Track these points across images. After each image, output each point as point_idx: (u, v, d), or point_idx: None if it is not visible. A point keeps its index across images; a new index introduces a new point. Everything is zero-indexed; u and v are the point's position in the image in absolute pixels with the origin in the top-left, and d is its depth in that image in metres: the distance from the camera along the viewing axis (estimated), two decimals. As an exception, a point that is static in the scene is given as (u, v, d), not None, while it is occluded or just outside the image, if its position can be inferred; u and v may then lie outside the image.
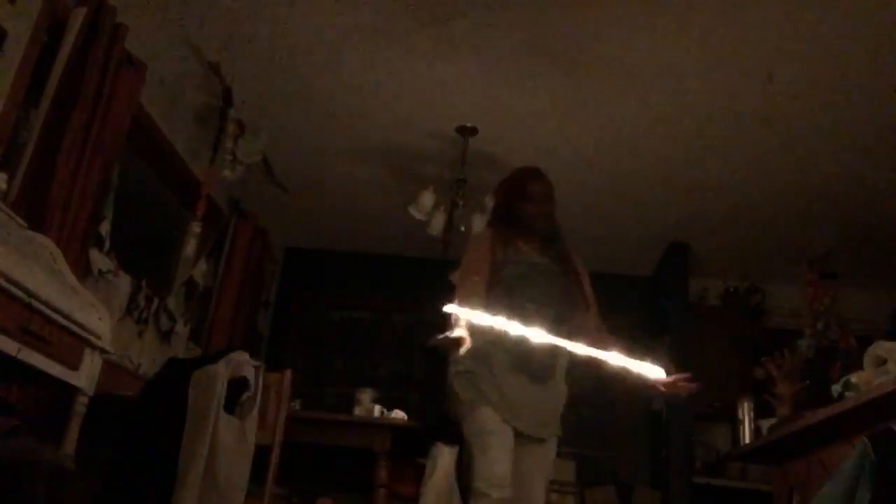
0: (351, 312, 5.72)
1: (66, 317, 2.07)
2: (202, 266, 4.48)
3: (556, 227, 2.65)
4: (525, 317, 2.28)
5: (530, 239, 2.60)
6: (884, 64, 3.29)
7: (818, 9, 3.03)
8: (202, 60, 3.74)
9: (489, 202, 3.35)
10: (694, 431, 5.01)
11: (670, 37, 3.28)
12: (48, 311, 1.98)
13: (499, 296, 2.41)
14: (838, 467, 1.95)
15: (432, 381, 5.02)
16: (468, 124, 4.04)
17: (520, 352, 2.33)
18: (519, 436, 2.38)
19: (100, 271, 3.31)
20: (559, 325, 2.39)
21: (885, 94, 3.48)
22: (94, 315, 2.23)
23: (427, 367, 5.37)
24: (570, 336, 2.37)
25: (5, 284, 1.81)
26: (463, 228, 4.14)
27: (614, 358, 2.33)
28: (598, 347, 2.37)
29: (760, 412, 3.41)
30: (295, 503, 3.96)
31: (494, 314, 2.27)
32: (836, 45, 3.22)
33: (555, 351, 2.37)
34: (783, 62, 3.37)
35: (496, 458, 2.28)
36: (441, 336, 2.20)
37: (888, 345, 2.22)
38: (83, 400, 2.21)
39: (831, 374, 2.53)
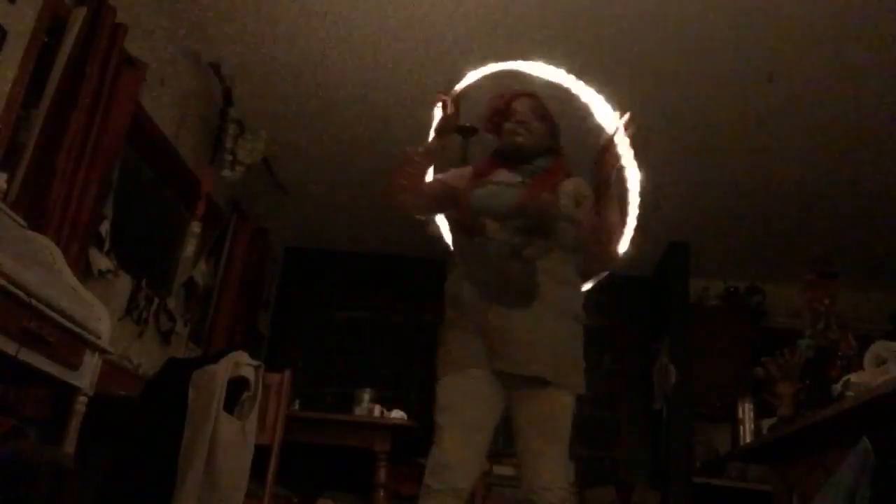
0: (351, 312, 5.72)
1: (66, 317, 2.07)
2: (202, 266, 4.48)
3: (544, 144, 2.22)
4: (487, 235, 2.03)
5: (513, 164, 2.18)
6: (884, 63, 3.29)
7: (819, 9, 3.03)
8: (202, 60, 3.74)
9: None
10: (694, 431, 5.01)
11: (670, 38, 3.28)
12: (48, 311, 1.98)
13: (459, 223, 2.14)
14: (838, 467, 1.95)
15: (432, 380, 5.02)
16: (468, 124, 4.04)
17: (489, 276, 2.01)
18: (505, 380, 2.00)
19: (100, 271, 3.31)
20: (531, 236, 2.03)
21: (886, 93, 3.48)
22: (94, 315, 2.24)
23: (427, 367, 5.37)
24: (549, 249, 2.03)
25: (5, 284, 1.81)
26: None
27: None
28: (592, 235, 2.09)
29: (760, 412, 3.41)
30: (295, 503, 3.96)
31: (458, 250, 2.08)
32: (837, 44, 3.22)
33: (532, 267, 2.00)
34: (783, 62, 3.37)
35: (443, 443, 1.96)
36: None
37: (888, 344, 2.21)
38: (83, 400, 2.21)
39: (831, 374, 2.52)
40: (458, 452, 1.95)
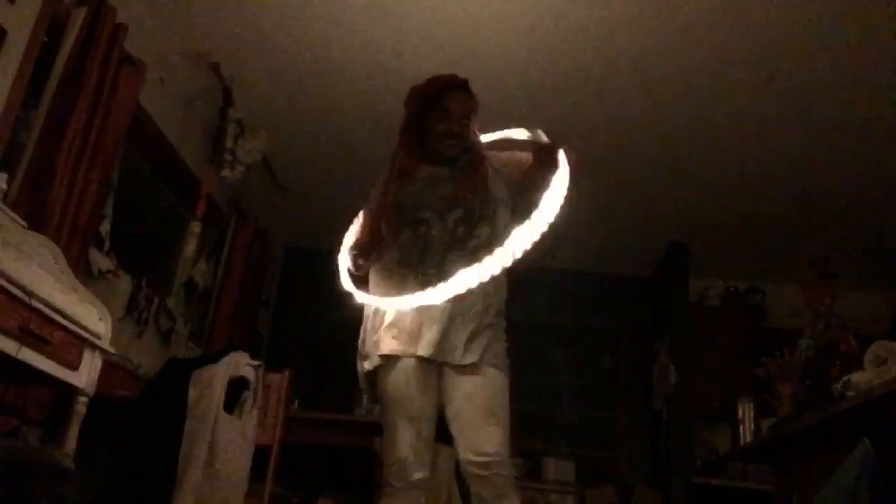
0: (351, 312, 5.70)
1: (66, 317, 2.07)
2: (202, 266, 4.48)
3: (470, 144, 2.19)
4: (426, 225, 2.03)
5: (437, 163, 2.17)
6: (885, 64, 3.29)
7: (819, 9, 3.03)
8: (202, 60, 3.74)
9: None
10: (694, 431, 5.01)
11: (671, 37, 3.28)
12: (48, 311, 1.98)
13: (395, 222, 2.12)
14: (838, 467, 1.95)
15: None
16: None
17: (429, 267, 2.01)
18: (437, 367, 2.02)
19: (100, 271, 3.31)
20: (471, 223, 2.04)
21: (886, 93, 3.48)
22: (94, 315, 2.24)
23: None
24: (490, 239, 2.02)
25: (5, 284, 1.82)
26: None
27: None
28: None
29: (760, 412, 3.41)
30: (295, 503, 3.96)
31: (391, 243, 2.08)
32: (837, 45, 3.22)
33: (474, 257, 1.93)
34: (783, 62, 3.37)
35: (396, 440, 2.00)
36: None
37: (888, 344, 2.21)
38: (83, 400, 2.21)
39: (831, 374, 2.52)
40: (412, 446, 1.98)
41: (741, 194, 4.51)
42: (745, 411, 3.65)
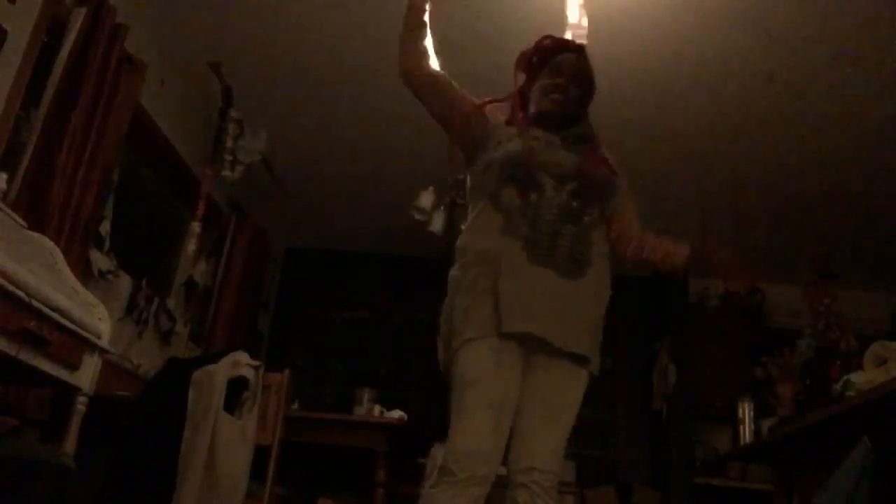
0: (351, 312, 5.72)
1: (66, 317, 2.07)
2: (202, 266, 4.48)
3: (572, 113, 2.02)
4: (539, 191, 1.83)
5: (548, 126, 1.97)
6: (885, 64, 3.29)
7: (819, 8, 3.03)
8: (202, 60, 3.74)
9: None
10: (694, 431, 5.01)
11: (670, 37, 3.28)
12: (48, 311, 1.98)
13: (500, 172, 1.88)
14: (838, 467, 1.95)
15: (432, 380, 5.01)
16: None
17: (540, 236, 1.79)
18: (530, 350, 1.81)
19: (100, 271, 3.31)
20: (588, 203, 1.86)
21: (886, 93, 3.48)
22: (94, 315, 2.24)
23: (427, 367, 5.37)
24: (603, 220, 1.90)
25: (5, 284, 1.82)
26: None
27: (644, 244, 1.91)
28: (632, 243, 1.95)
29: (760, 412, 3.42)
30: (295, 503, 3.96)
31: (503, 205, 1.85)
32: (838, 45, 3.22)
33: (587, 234, 1.84)
34: (783, 62, 3.37)
35: (470, 425, 1.71)
36: None
37: (888, 344, 2.22)
38: (83, 400, 2.21)
39: (831, 374, 2.53)
40: (486, 436, 1.71)
41: (741, 194, 4.51)
42: (745, 411, 3.66)
